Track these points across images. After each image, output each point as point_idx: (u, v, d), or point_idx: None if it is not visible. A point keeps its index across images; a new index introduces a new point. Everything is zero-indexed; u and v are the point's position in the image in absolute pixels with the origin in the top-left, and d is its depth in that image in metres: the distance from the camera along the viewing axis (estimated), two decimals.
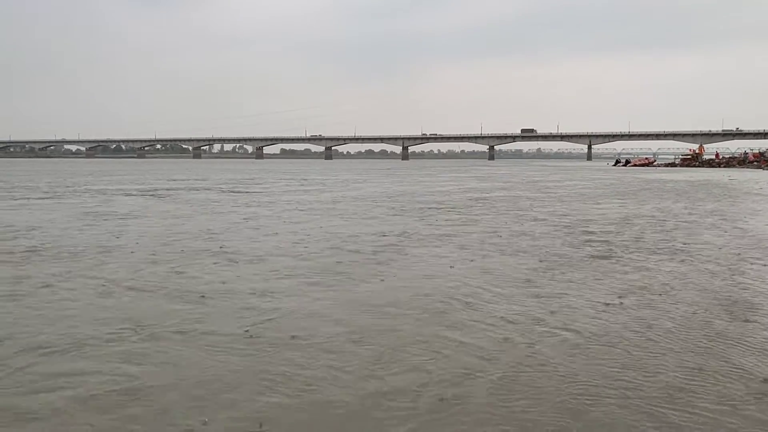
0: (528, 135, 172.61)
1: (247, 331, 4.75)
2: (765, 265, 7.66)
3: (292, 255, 8.38)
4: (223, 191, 23.75)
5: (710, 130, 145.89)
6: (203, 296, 5.91)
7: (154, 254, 8.36)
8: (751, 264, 7.76)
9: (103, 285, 6.38)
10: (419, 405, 3.41)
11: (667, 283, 6.57)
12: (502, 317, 5.18)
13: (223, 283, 6.53)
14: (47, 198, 19.65)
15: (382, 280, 6.74)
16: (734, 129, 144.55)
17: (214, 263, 7.71)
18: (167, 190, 24.71)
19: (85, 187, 26.82)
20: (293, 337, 4.62)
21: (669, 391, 3.61)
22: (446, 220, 13.16)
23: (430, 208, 16.32)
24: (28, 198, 19.55)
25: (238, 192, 23.43)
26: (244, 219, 13.23)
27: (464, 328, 4.85)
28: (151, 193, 22.64)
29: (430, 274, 7.10)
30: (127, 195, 21.23)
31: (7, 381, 3.75)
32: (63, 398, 3.49)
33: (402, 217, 13.68)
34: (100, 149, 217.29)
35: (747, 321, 5.10)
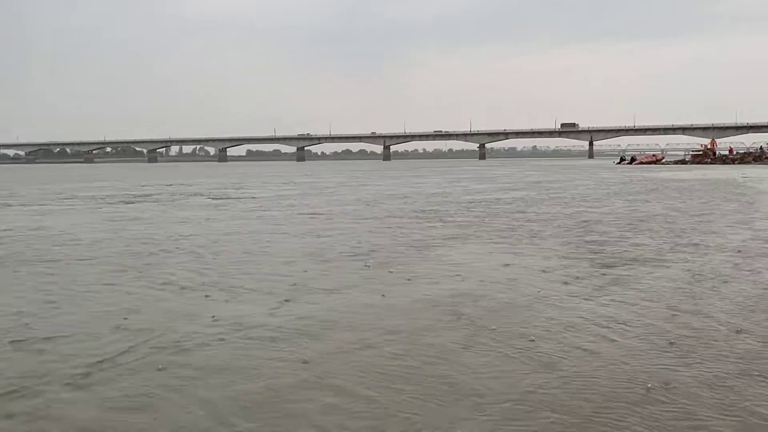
0: (569, 130, 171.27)
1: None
2: None
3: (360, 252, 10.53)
4: (219, 198, 25.56)
5: (723, 123, 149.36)
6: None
7: (249, 251, 10.43)
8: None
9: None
10: None
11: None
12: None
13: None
14: (47, 205, 21.40)
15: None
16: None
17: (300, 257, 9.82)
18: (160, 194, 26.47)
19: (70, 194, 28.45)
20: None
21: None
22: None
23: (439, 210, 18.51)
24: (41, 205, 21.33)
25: (238, 198, 25.27)
26: (274, 225, 15.32)
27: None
28: (143, 198, 24.46)
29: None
30: (127, 203, 22.92)
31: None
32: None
33: (434, 219, 15.85)
34: (41, 153, 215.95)
35: None
